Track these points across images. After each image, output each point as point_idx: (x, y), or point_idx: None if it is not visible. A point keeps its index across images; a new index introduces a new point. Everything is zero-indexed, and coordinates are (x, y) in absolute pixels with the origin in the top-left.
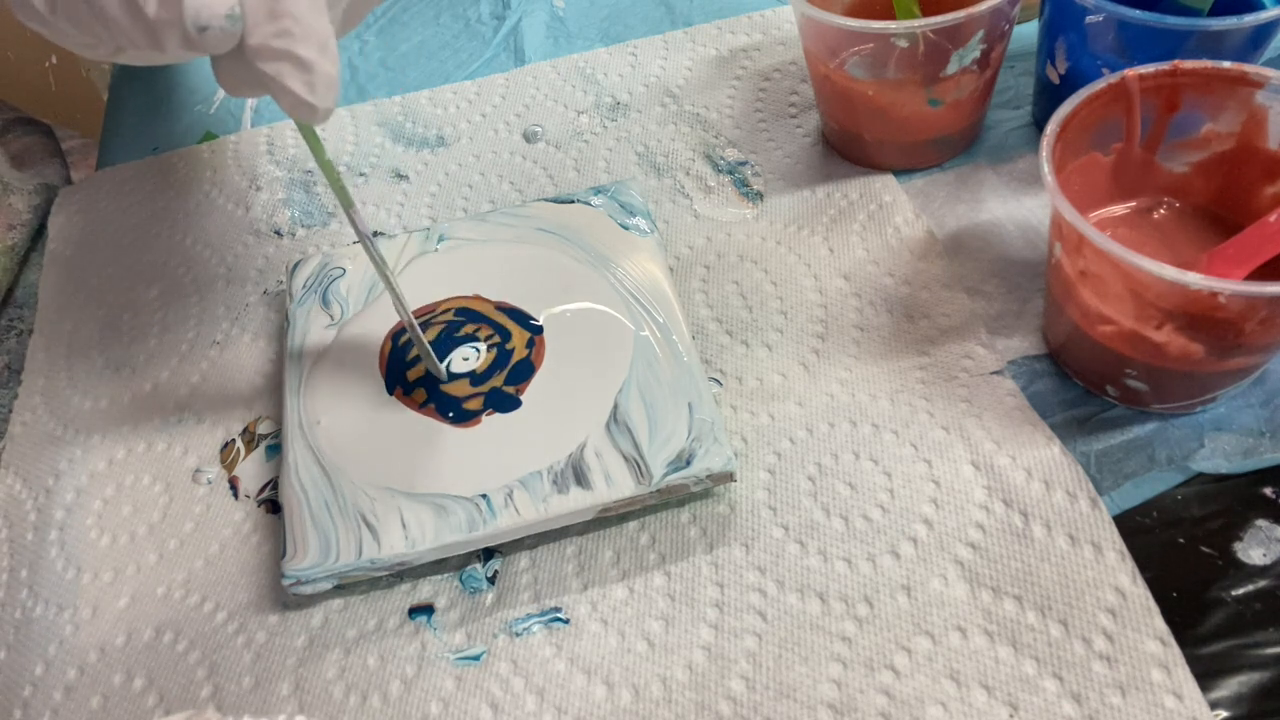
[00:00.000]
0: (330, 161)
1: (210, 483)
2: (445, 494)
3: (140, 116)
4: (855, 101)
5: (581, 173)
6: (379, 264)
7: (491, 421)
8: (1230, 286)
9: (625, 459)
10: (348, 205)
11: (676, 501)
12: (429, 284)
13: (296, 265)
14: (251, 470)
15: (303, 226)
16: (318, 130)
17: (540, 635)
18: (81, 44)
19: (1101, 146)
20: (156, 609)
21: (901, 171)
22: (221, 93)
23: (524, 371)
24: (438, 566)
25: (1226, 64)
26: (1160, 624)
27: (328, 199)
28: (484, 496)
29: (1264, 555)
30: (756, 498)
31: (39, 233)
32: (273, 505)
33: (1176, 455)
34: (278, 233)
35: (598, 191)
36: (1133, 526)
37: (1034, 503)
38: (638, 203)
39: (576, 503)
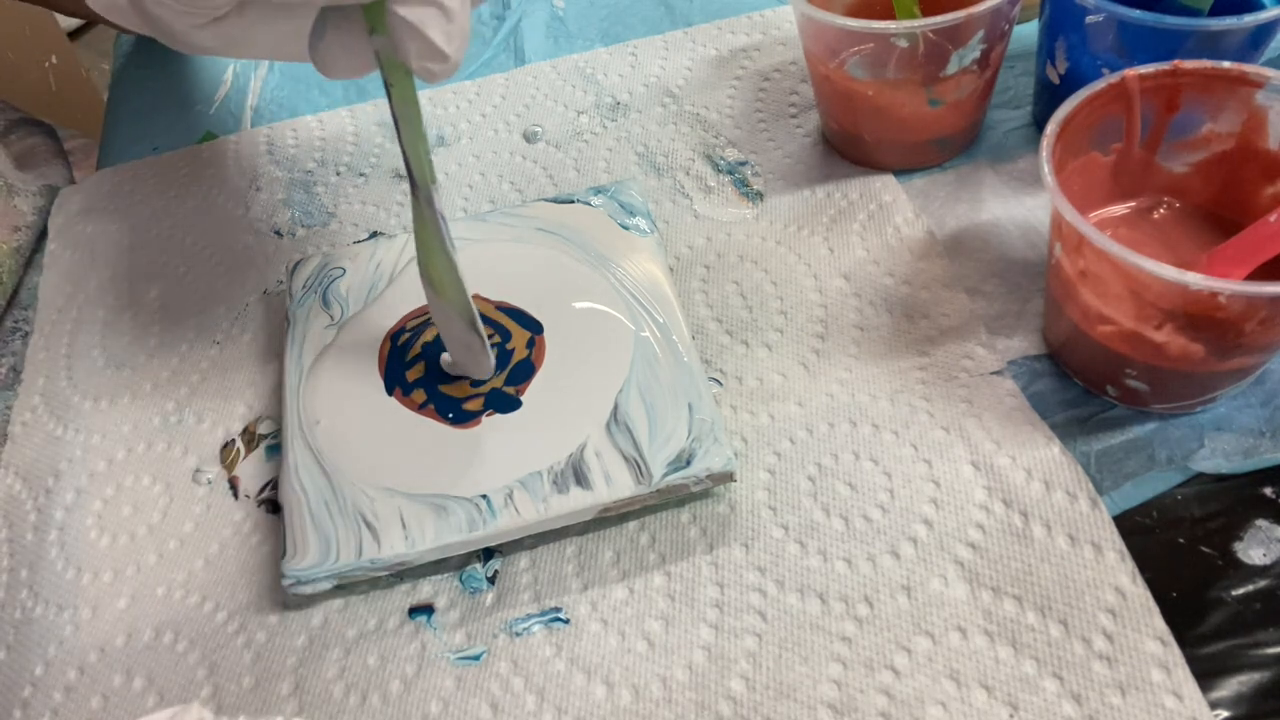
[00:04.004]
0: (425, 132)
1: (210, 483)
2: (445, 494)
3: (140, 116)
4: (855, 101)
5: (581, 173)
6: (450, 250)
7: (491, 422)
8: (1230, 286)
9: (625, 459)
10: (432, 180)
11: (676, 501)
12: None
13: (296, 265)
14: (251, 470)
15: (303, 226)
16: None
17: (540, 635)
18: (196, 5)
19: (1101, 146)
20: (156, 609)
21: (901, 171)
22: (222, 92)
23: (524, 372)
24: (438, 566)
25: (1226, 64)
26: (1160, 624)
27: (328, 199)
28: (484, 497)
29: (1264, 555)
30: (756, 498)
31: (44, 234)
32: (273, 505)
33: (1176, 455)
34: (278, 233)
35: (598, 191)
36: (1133, 526)
37: (1034, 503)
38: (638, 203)
39: (576, 503)
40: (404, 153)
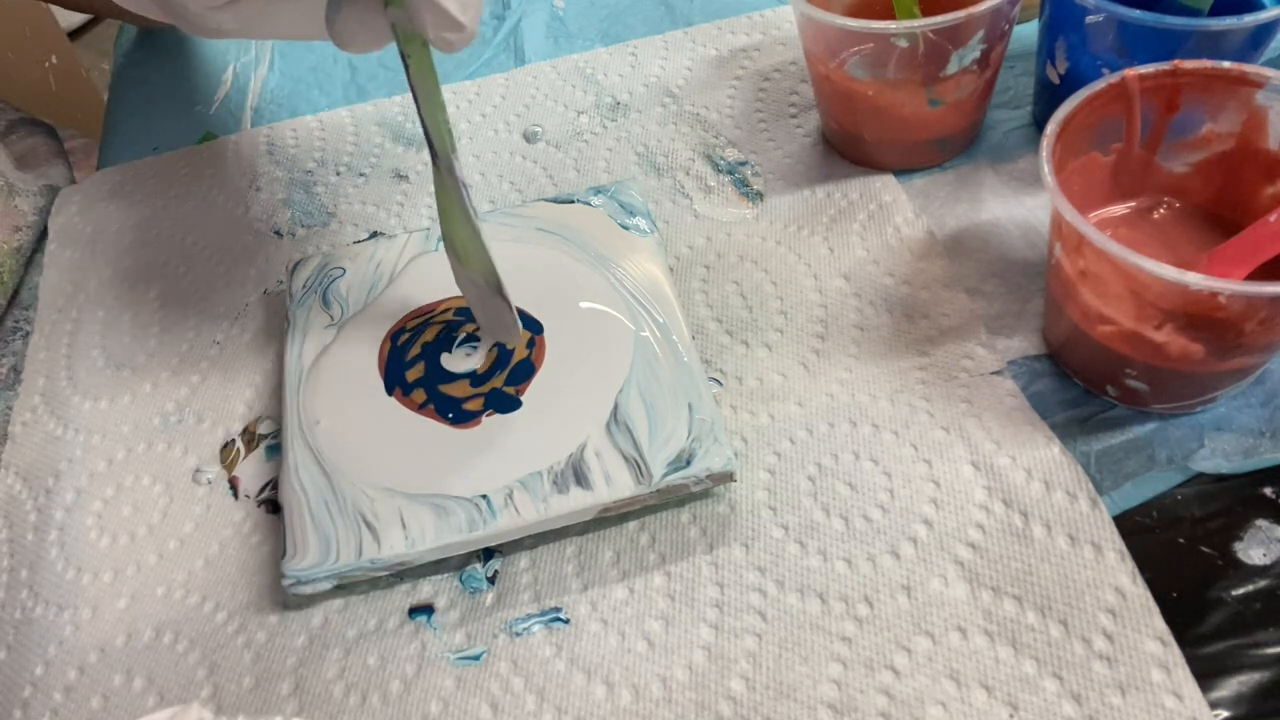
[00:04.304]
0: (444, 101)
1: (210, 483)
2: (445, 494)
3: (140, 116)
4: (855, 101)
5: (581, 173)
6: (473, 216)
7: (491, 422)
8: (1230, 286)
9: (625, 459)
10: (452, 150)
11: (676, 501)
12: (429, 284)
13: (296, 265)
14: (251, 470)
15: (303, 226)
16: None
17: (540, 635)
18: None
19: (1101, 146)
20: (156, 609)
21: (901, 171)
22: (222, 92)
23: (524, 372)
24: (438, 566)
25: (1226, 64)
26: (1160, 624)
27: (328, 199)
28: (484, 497)
29: (1264, 555)
30: (756, 498)
31: (45, 234)
32: (273, 505)
33: (1176, 455)
34: (278, 233)
35: (598, 191)
36: (1133, 526)
37: (1034, 503)
38: (638, 203)
39: (576, 503)
40: (423, 124)
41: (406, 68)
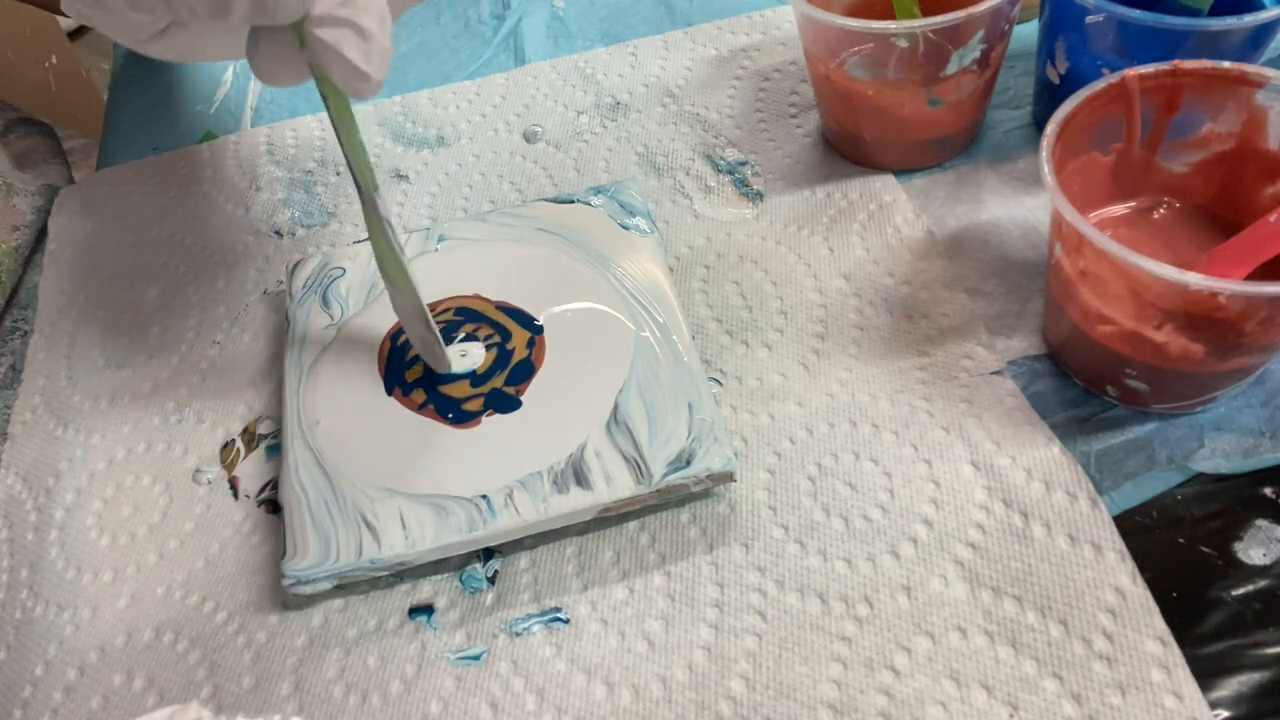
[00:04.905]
0: (362, 141)
1: (210, 483)
2: (445, 494)
3: (140, 116)
4: (855, 101)
5: (581, 173)
6: (398, 251)
7: (491, 422)
8: (1230, 286)
9: (625, 459)
10: (373, 188)
11: (676, 501)
12: (429, 284)
13: (296, 265)
14: (251, 470)
15: (303, 226)
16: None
17: (540, 635)
18: (130, 24)
19: (1101, 146)
20: (156, 609)
21: (901, 171)
22: (222, 92)
23: (524, 372)
24: (438, 566)
25: (1226, 64)
26: (1160, 624)
27: (328, 199)
28: (484, 497)
29: (1264, 555)
30: (756, 498)
31: (43, 233)
32: (273, 505)
33: (1176, 455)
34: (278, 233)
35: (598, 191)
36: (1133, 526)
37: (1034, 503)
38: (638, 203)
39: (576, 503)
40: (347, 161)
41: (326, 106)
